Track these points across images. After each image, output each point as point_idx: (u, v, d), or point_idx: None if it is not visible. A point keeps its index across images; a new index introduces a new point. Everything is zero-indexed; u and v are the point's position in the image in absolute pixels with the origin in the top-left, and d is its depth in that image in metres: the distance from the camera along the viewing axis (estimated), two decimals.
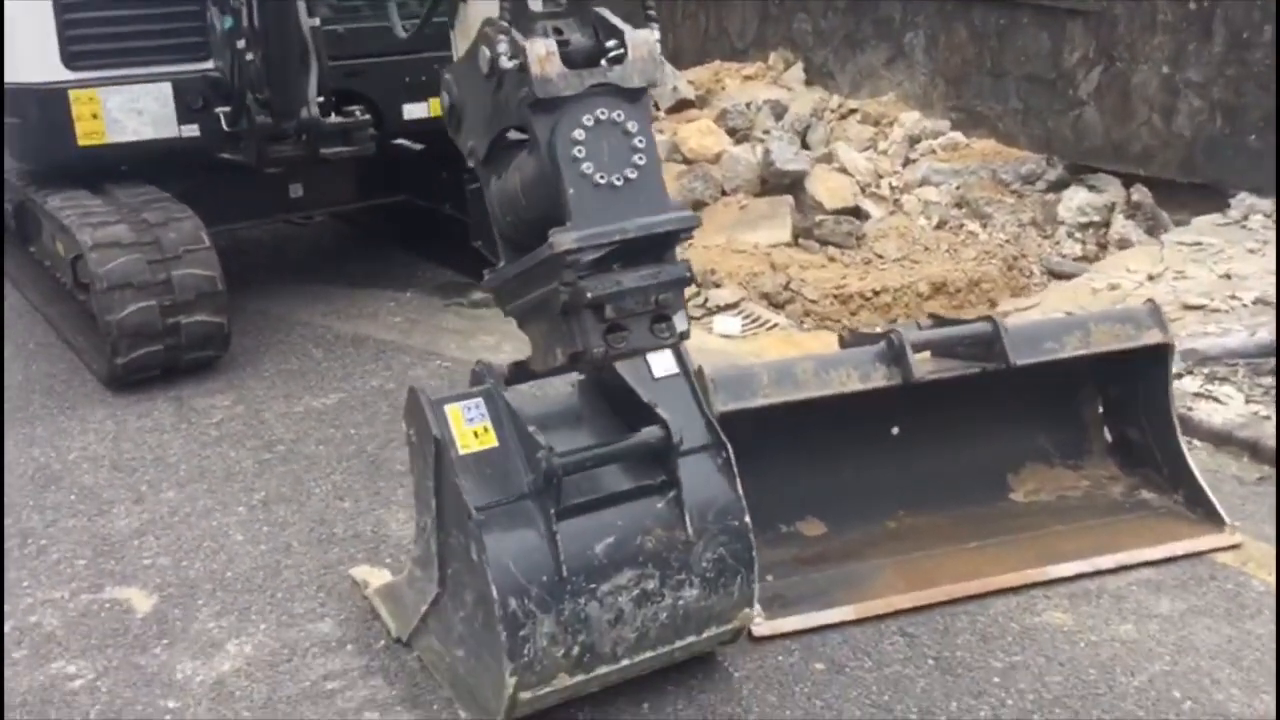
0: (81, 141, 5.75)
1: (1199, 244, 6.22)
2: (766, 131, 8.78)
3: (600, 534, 2.92)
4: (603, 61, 2.73)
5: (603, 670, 2.98)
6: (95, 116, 5.79)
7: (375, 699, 3.21)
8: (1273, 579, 3.56)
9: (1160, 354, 3.92)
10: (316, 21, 5.59)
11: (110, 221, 5.44)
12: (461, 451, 2.93)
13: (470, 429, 2.98)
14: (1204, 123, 6.91)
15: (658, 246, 2.74)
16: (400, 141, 7.01)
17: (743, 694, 3.17)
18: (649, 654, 3.03)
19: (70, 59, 5.68)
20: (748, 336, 6.09)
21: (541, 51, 2.59)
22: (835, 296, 6.80)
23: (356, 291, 6.83)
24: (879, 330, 3.99)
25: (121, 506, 4.37)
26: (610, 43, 2.74)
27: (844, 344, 4.05)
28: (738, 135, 8.89)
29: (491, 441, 2.96)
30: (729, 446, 3.12)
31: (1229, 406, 4.56)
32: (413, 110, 6.45)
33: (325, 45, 5.62)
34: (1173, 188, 7.18)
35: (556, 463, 2.85)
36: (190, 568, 3.93)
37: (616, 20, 2.77)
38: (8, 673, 3.39)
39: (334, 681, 3.29)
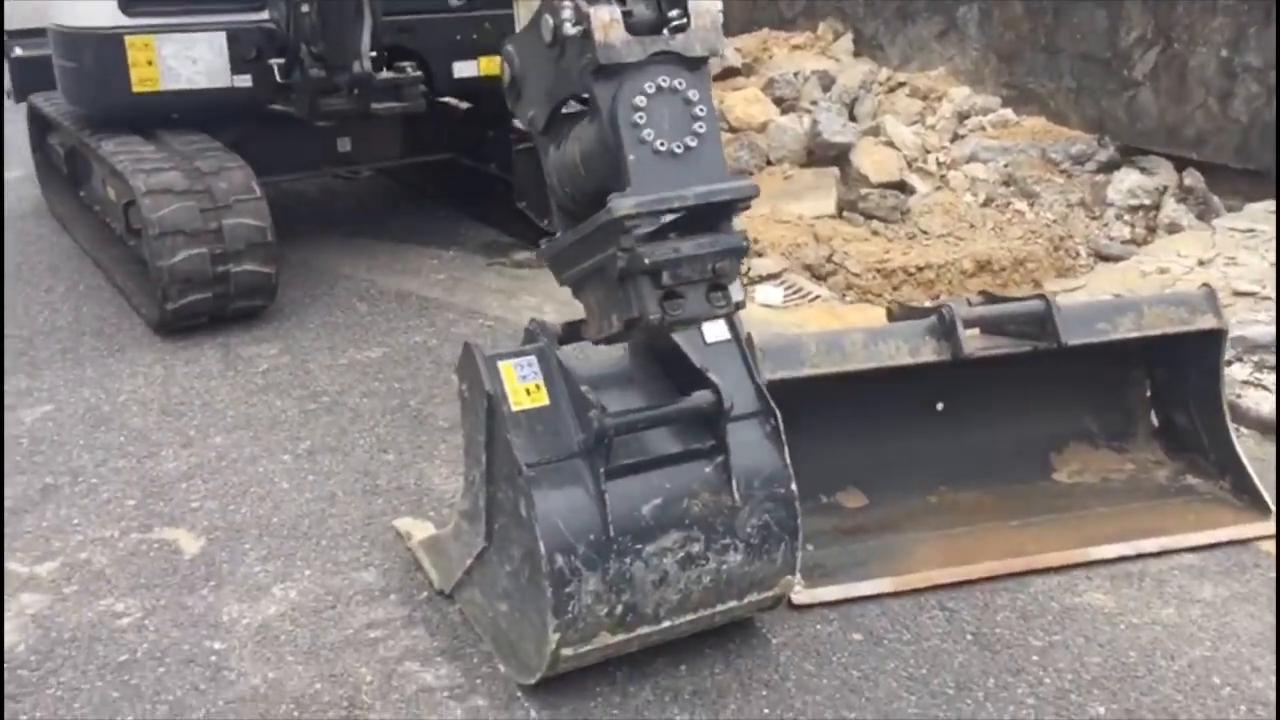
0: (136, 88, 5.81)
1: (1251, 230, 6.15)
2: (814, 102, 8.71)
3: (648, 495, 2.94)
4: (664, 30, 2.73)
5: (644, 630, 3.00)
6: (150, 63, 5.84)
7: (416, 649, 3.25)
8: None
9: (1214, 340, 3.89)
10: None
11: (164, 168, 5.49)
12: (514, 408, 2.95)
13: (523, 386, 3.00)
14: (1261, 108, 6.80)
15: (715, 215, 2.75)
16: (447, 99, 7.03)
17: (780, 660, 3.19)
18: (690, 616, 3.05)
19: (128, 5, 5.73)
20: (789, 307, 6.08)
21: (605, 18, 2.60)
22: (878, 270, 6.76)
23: (400, 247, 6.86)
24: (928, 305, 3.98)
25: (170, 450, 4.43)
26: (673, 12, 2.75)
27: (892, 317, 4.04)
28: (784, 105, 8.83)
29: (543, 399, 2.98)
30: (778, 414, 3.13)
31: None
32: (462, 69, 6.46)
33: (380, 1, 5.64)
34: (1226, 173, 7.08)
35: (608, 423, 2.87)
36: (237, 512, 3.98)
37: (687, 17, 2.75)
38: (58, 608, 3.46)
39: (376, 630, 3.34)
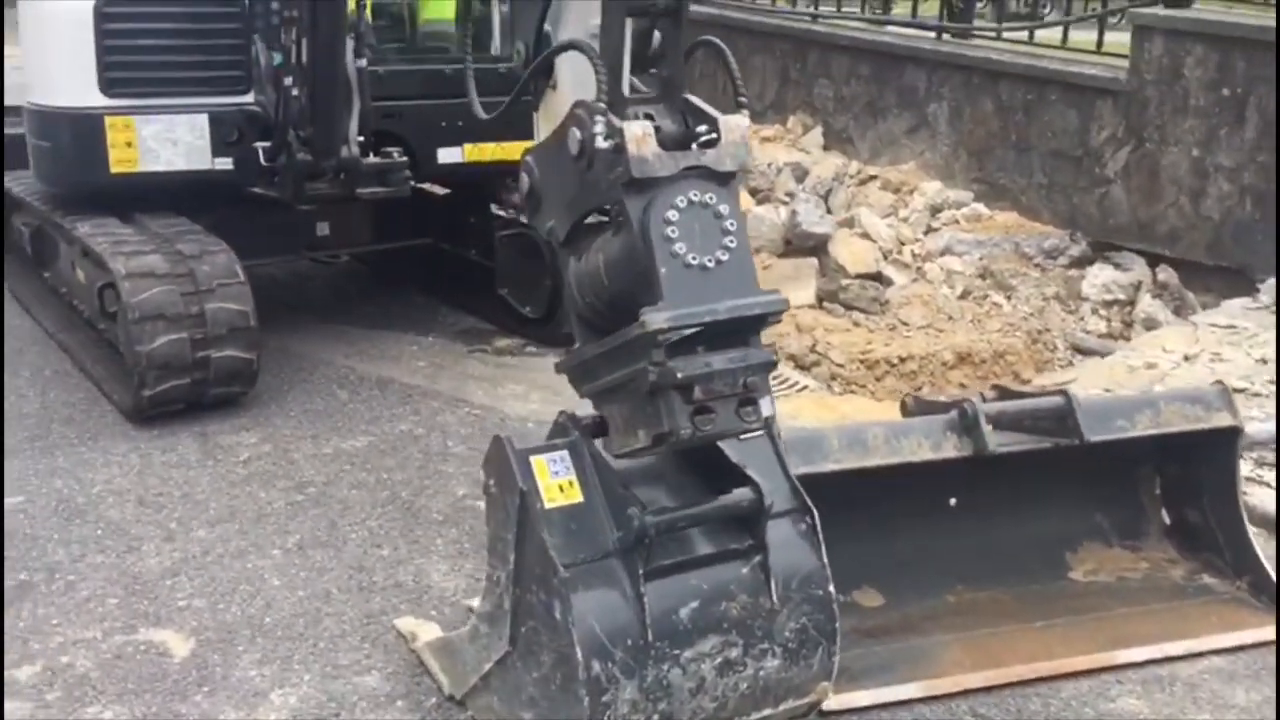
0: (114, 169, 5.67)
1: (1232, 327, 6.21)
2: (789, 194, 8.77)
3: (685, 598, 2.83)
4: (693, 145, 2.76)
5: None
6: (129, 144, 5.71)
7: None
8: None
9: (1228, 437, 3.88)
10: (363, 62, 5.57)
11: (144, 251, 5.34)
12: (548, 505, 2.83)
13: (555, 482, 2.89)
14: (1233, 207, 6.94)
15: (745, 329, 2.75)
16: (425, 185, 6.97)
17: None
18: None
19: (108, 85, 5.60)
20: (779, 398, 6.01)
21: (639, 132, 2.62)
22: (861, 361, 6.75)
23: (377, 333, 6.72)
24: (943, 400, 3.93)
25: (151, 544, 4.23)
26: (701, 128, 2.79)
27: (907, 412, 3.99)
28: (759, 196, 8.88)
29: (577, 496, 2.88)
30: (814, 512, 3.04)
31: None
32: (447, 155, 6.40)
33: (369, 86, 5.59)
34: (1198, 270, 7.20)
35: (650, 521, 2.76)
36: (227, 611, 3.79)
37: (707, 106, 2.80)
38: (41, 716, 3.24)
39: None
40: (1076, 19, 8.71)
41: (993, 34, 8.58)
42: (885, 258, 7.98)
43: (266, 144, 5.62)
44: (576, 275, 3.08)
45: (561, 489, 2.88)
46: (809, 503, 3.06)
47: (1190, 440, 3.90)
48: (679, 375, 2.62)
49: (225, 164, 5.89)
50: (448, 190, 7.24)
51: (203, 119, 5.83)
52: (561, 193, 2.98)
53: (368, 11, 5.82)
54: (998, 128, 8.29)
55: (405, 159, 5.83)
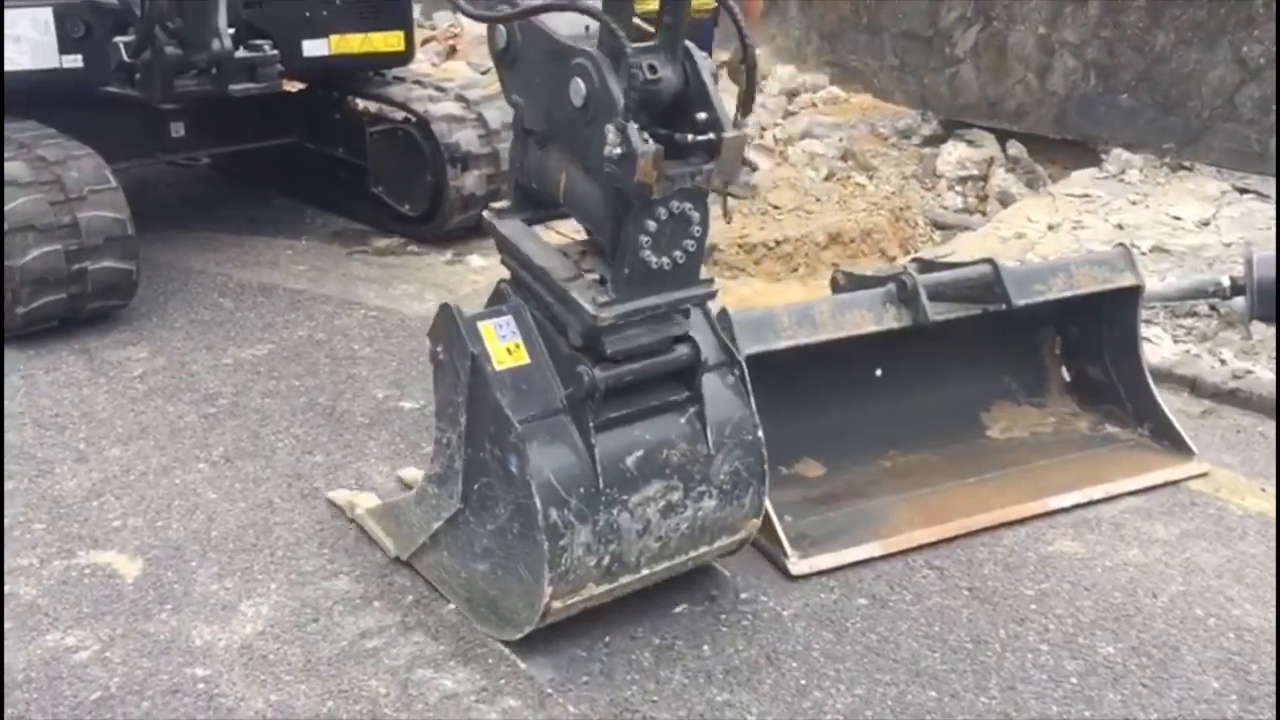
0: None
1: (1087, 196, 6.57)
2: None
3: (631, 448, 3.01)
4: (690, 137, 2.76)
5: (625, 579, 3.07)
6: None
7: (424, 654, 3.08)
8: (1246, 504, 3.83)
9: (1131, 295, 4.14)
10: None
11: (4, 158, 4.95)
12: (498, 368, 2.93)
13: (503, 345, 2.98)
14: (1077, 81, 7.28)
15: (676, 312, 3.02)
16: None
17: (797, 632, 3.19)
18: (666, 564, 3.13)
19: None
20: None
21: (649, 159, 2.63)
22: (740, 246, 6.87)
23: (246, 238, 6.44)
24: (872, 274, 4.06)
25: (64, 466, 4.02)
26: (701, 115, 2.79)
27: (838, 287, 4.10)
28: None
29: (524, 358, 2.99)
30: (742, 364, 3.22)
31: (1161, 346, 4.85)
32: (312, 47, 6.12)
33: None
34: (1045, 143, 7.55)
35: (600, 376, 2.90)
36: (167, 528, 3.65)
37: (710, 84, 2.82)
38: None
39: (373, 639, 3.14)
40: None
41: None
42: (749, 143, 8.06)
43: (127, 39, 5.24)
44: (532, 160, 3.17)
45: (509, 351, 2.97)
46: (738, 355, 3.21)
47: (1094, 300, 4.14)
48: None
49: (74, 61, 5.49)
50: (303, 86, 6.92)
51: (46, 12, 5.40)
52: (548, 103, 2.97)
53: None
54: (849, 11, 8.42)
55: (276, 52, 5.52)
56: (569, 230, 3.26)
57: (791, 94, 8.54)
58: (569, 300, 2.91)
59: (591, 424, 2.93)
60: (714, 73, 2.87)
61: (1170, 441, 4.10)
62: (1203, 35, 6.62)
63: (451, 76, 8.18)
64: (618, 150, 2.66)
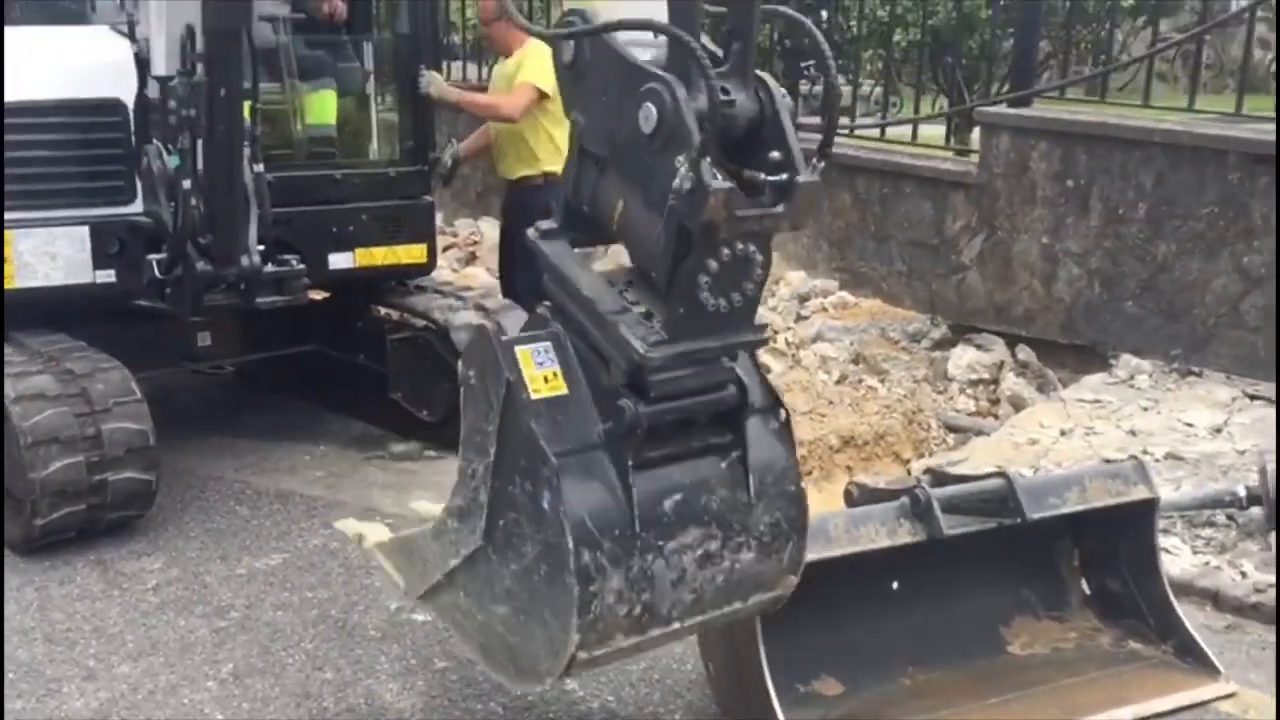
0: None
1: (1098, 401, 6.62)
2: None
3: (669, 490, 2.83)
4: (763, 176, 2.63)
5: (655, 632, 2.87)
6: (6, 260, 5.47)
7: None
8: None
9: (1146, 508, 4.14)
10: (260, 167, 5.45)
11: (31, 371, 5.07)
12: (534, 396, 2.77)
13: (540, 373, 2.80)
14: (1082, 289, 7.43)
15: (725, 356, 2.86)
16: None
17: None
18: (699, 618, 2.95)
19: None
20: None
21: (722, 198, 2.51)
22: None
23: (264, 444, 6.52)
24: (885, 487, 4.08)
25: (72, 685, 3.98)
26: (774, 154, 2.64)
27: (852, 500, 4.11)
28: None
29: (561, 388, 2.80)
30: (787, 410, 3.08)
31: (1180, 557, 4.81)
32: (338, 260, 6.34)
33: (266, 192, 5.49)
34: (1053, 348, 7.64)
35: (642, 412, 2.74)
36: None
37: (789, 126, 2.66)
38: None
39: None
40: (926, 117, 9.22)
41: (846, 130, 8.99)
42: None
43: (159, 256, 5.44)
44: (586, 182, 2.95)
45: (546, 380, 2.80)
46: (782, 400, 3.07)
47: (1110, 514, 4.13)
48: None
49: (107, 276, 5.70)
50: (327, 295, 7.12)
51: (83, 230, 5.64)
52: (611, 125, 2.77)
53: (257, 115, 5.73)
54: (856, 219, 8.68)
55: (303, 266, 5.72)
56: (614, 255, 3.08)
57: (803, 299, 8.73)
58: (617, 337, 2.73)
59: (630, 462, 2.76)
60: (791, 109, 2.70)
61: (1195, 659, 4.02)
62: (1203, 246, 6.79)
63: (471, 284, 8.40)
64: (688, 185, 2.51)
